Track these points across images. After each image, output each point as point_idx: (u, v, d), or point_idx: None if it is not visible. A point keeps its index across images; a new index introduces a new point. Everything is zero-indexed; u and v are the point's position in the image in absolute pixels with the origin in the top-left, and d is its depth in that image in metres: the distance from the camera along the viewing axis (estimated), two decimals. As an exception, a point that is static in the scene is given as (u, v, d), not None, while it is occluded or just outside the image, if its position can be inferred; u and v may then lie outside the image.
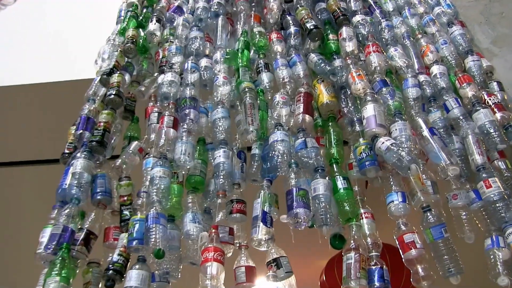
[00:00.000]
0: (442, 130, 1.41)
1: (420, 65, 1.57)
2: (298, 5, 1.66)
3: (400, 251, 1.20)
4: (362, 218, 1.28)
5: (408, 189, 1.26)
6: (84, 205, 1.32)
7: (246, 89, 1.47)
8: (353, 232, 1.24)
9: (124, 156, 1.42)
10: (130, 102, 1.59)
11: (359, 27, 1.65)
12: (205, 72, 1.60)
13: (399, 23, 1.70)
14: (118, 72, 1.56)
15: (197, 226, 1.26)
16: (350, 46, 1.56)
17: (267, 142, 1.40)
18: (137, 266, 1.19)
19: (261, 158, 1.42)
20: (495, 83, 1.56)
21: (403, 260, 1.20)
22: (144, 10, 1.84)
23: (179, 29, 1.68)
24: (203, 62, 1.63)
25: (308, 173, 1.33)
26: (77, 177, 1.30)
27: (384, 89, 1.43)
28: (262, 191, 1.32)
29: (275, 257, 1.23)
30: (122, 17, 1.81)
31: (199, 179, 1.38)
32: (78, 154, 1.36)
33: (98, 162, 1.39)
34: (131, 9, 1.80)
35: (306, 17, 1.61)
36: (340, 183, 1.30)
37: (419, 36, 1.66)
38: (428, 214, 1.21)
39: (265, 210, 1.27)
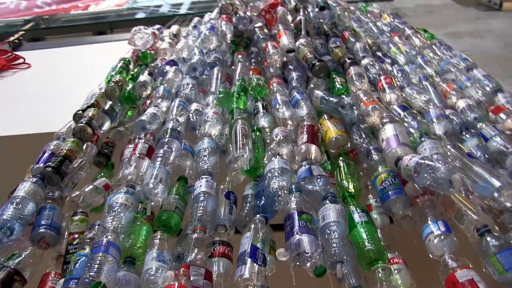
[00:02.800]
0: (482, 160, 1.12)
1: (443, 104, 1.35)
2: (300, 45, 1.53)
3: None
4: (392, 264, 0.93)
5: (452, 213, 0.92)
6: (19, 242, 0.99)
7: (239, 117, 1.25)
8: (380, 275, 0.87)
9: (84, 190, 1.13)
10: (107, 146, 1.36)
11: (369, 68, 1.48)
12: (195, 115, 1.39)
13: (414, 71, 1.53)
14: (95, 108, 1.36)
15: (162, 266, 0.91)
16: (360, 83, 1.37)
17: (263, 180, 1.12)
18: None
19: (254, 197, 1.13)
20: (535, 122, 1.31)
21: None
22: (137, 69, 1.73)
23: (170, 74, 1.53)
24: (194, 106, 1.43)
25: (315, 209, 1.01)
26: (17, 201, 1.00)
27: (403, 113, 1.20)
28: (252, 225, 1.00)
29: (269, 308, 0.85)
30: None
31: (174, 217, 1.06)
32: (26, 182, 1.08)
33: (50, 195, 1.10)
34: (123, 61, 1.69)
35: (309, 54, 1.45)
36: (357, 216, 0.98)
37: (438, 79, 1.47)
38: (488, 236, 0.85)
39: (256, 245, 0.93)
